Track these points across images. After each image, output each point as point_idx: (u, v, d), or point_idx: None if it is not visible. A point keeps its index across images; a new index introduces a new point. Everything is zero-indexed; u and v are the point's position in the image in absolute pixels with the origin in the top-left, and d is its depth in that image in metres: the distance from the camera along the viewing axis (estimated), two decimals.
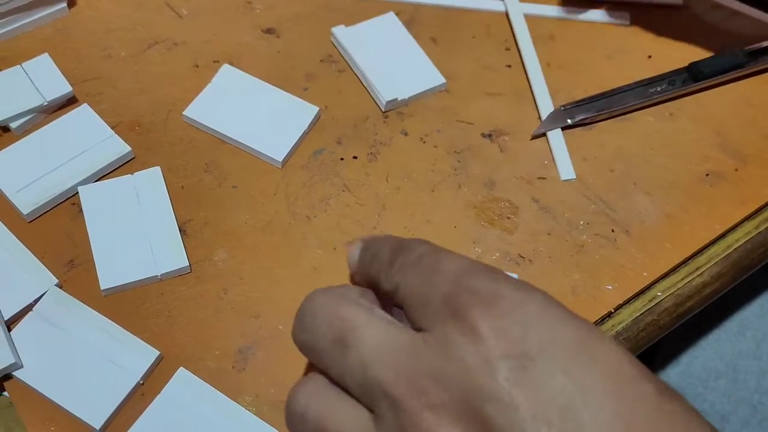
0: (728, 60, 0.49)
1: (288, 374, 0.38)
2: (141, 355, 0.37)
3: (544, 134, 0.47)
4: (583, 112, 0.47)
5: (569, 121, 0.47)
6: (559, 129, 0.47)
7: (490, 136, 0.47)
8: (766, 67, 0.51)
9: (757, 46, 0.50)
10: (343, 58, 0.49)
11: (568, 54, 0.51)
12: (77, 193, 0.42)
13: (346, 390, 0.27)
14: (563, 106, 0.48)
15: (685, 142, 0.47)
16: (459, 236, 0.43)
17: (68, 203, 0.42)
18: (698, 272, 0.43)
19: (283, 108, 0.46)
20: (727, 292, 0.45)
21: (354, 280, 0.33)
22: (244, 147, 0.45)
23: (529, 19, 0.52)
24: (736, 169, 0.46)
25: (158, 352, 0.37)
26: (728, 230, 0.45)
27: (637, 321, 0.41)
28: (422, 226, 0.43)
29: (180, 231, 0.41)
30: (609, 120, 0.48)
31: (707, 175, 0.46)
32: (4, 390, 0.36)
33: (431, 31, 0.51)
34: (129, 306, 0.39)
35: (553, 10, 0.53)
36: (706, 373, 0.58)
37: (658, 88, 0.49)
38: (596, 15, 0.53)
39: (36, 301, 0.38)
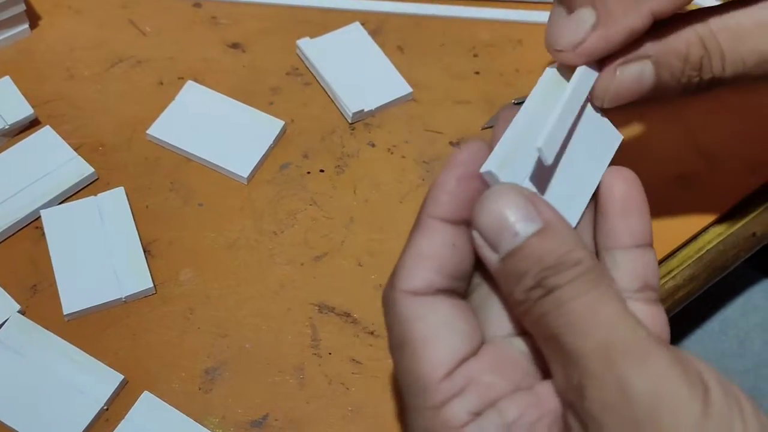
0: None
1: (255, 394, 0.37)
2: (105, 380, 0.36)
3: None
4: None
5: None
6: None
7: (458, 144, 0.46)
8: None
9: None
10: (308, 70, 0.49)
11: (537, 58, 0.51)
12: (40, 216, 0.41)
13: None
14: (516, 100, 0.47)
15: (656, 142, 0.47)
16: None
17: (31, 227, 0.42)
18: (671, 275, 0.43)
19: (248, 123, 0.45)
20: (708, 291, 0.45)
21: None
22: (210, 164, 0.44)
23: (496, 24, 0.52)
24: (709, 170, 0.46)
25: (122, 377, 0.37)
26: (701, 231, 0.44)
27: None
28: (391, 238, 0.42)
29: (144, 251, 0.41)
30: None
31: (679, 176, 0.46)
32: None
33: (398, 39, 0.51)
34: (93, 330, 0.38)
35: (521, 15, 0.52)
36: None
37: None
38: None
39: None
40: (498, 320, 0.28)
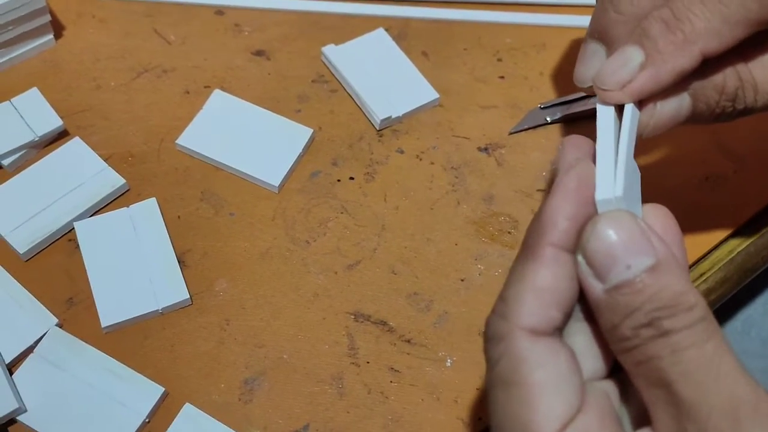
0: None
1: (295, 404, 0.37)
2: (146, 393, 0.36)
3: (522, 131, 0.47)
4: (563, 111, 0.47)
5: (547, 119, 0.47)
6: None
7: (486, 149, 0.46)
8: None
9: None
10: (334, 77, 0.49)
11: (560, 62, 0.51)
12: (73, 228, 0.41)
13: None
14: (542, 104, 0.47)
15: (682, 145, 0.47)
16: (460, 254, 0.42)
17: (65, 240, 0.42)
18: (702, 278, 0.43)
19: (277, 131, 0.45)
20: None
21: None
22: (240, 173, 0.44)
23: (519, 27, 0.52)
24: (735, 172, 0.46)
25: (163, 389, 0.37)
26: (730, 234, 0.44)
27: None
28: (423, 245, 0.43)
29: (179, 262, 0.41)
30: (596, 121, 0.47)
31: (707, 179, 0.46)
32: None
33: (422, 44, 0.51)
34: (131, 342, 0.39)
35: (544, 18, 0.52)
36: None
37: None
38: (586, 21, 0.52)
39: (37, 342, 0.38)
40: (586, 358, 0.27)
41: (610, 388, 0.27)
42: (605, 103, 0.30)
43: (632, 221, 0.25)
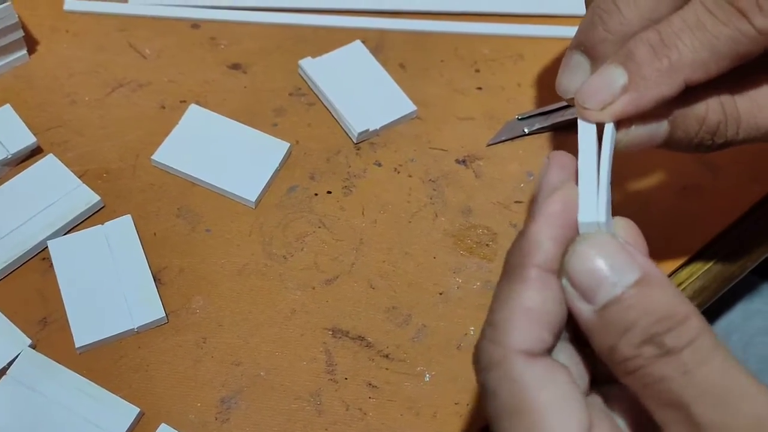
0: None
1: (273, 422, 0.37)
2: (121, 414, 0.36)
3: (500, 142, 0.47)
4: (541, 122, 0.47)
5: (525, 130, 0.47)
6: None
7: (464, 161, 0.46)
8: None
9: None
10: (311, 90, 0.49)
11: (538, 72, 0.51)
12: (47, 247, 0.41)
13: None
14: (520, 116, 0.47)
15: (658, 155, 0.47)
16: (438, 267, 0.42)
17: (38, 258, 0.41)
18: (681, 288, 0.43)
19: (254, 146, 0.45)
20: None
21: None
22: (216, 189, 0.44)
23: (496, 38, 0.52)
24: (713, 181, 0.46)
25: (138, 410, 0.36)
26: (709, 242, 0.44)
27: None
28: (401, 259, 0.42)
29: (155, 280, 0.40)
30: (575, 133, 0.47)
31: (684, 188, 0.46)
32: None
33: (399, 56, 0.51)
34: (106, 362, 0.38)
35: (521, 29, 0.52)
36: None
37: None
38: (563, 31, 0.53)
39: (9, 364, 0.37)
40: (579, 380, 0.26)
41: (597, 401, 0.27)
42: (585, 120, 0.30)
43: (610, 239, 0.25)
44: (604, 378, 0.27)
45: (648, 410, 0.24)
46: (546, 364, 0.24)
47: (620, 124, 0.30)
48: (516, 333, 0.24)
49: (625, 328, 0.23)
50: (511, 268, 0.25)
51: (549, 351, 0.25)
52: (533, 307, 0.24)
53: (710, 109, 0.30)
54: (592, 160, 0.28)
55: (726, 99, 0.30)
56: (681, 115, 0.30)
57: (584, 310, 0.24)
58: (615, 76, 0.29)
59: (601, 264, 0.24)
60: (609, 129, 0.29)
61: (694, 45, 0.28)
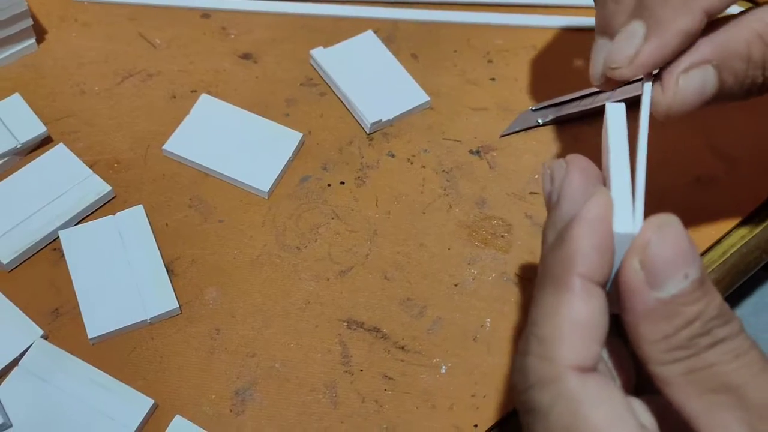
0: None
1: (288, 414, 0.36)
2: (135, 405, 0.36)
3: (514, 133, 0.46)
4: (554, 113, 0.47)
5: (539, 121, 0.46)
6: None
7: (478, 152, 0.46)
8: None
9: None
10: (323, 80, 0.48)
11: (551, 63, 0.50)
12: (58, 237, 0.40)
13: None
14: (533, 106, 0.47)
15: (674, 145, 0.47)
16: (453, 258, 0.42)
17: (49, 249, 0.41)
18: None
19: (266, 136, 0.45)
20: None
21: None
22: (229, 179, 0.43)
23: (509, 29, 0.52)
24: (727, 172, 0.46)
25: (152, 401, 0.36)
26: (723, 235, 0.44)
27: None
28: (415, 250, 0.42)
29: (167, 271, 0.40)
30: (588, 124, 0.47)
31: (699, 179, 0.45)
32: None
33: (411, 47, 0.50)
34: (119, 353, 0.38)
35: (534, 20, 0.52)
36: None
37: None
38: (576, 21, 0.52)
39: (22, 354, 0.37)
40: None
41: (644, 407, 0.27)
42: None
43: (684, 230, 0.24)
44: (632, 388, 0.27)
45: (681, 405, 0.24)
46: (598, 380, 0.24)
47: (665, 83, 0.29)
48: (568, 348, 0.24)
49: (689, 320, 0.23)
50: (553, 278, 0.25)
51: (597, 365, 0.25)
52: (583, 320, 0.24)
53: (751, 43, 0.29)
54: (623, 161, 0.27)
55: (763, 28, 0.29)
56: (724, 57, 0.29)
57: (647, 296, 0.23)
58: (635, 29, 0.28)
59: (679, 252, 0.23)
60: (644, 124, 0.28)
61: None
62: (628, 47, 0.28)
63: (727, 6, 0.28)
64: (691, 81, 0.29)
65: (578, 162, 0.28)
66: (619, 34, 0.29)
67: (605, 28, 0.31)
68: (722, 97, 0.30)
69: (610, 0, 0.30)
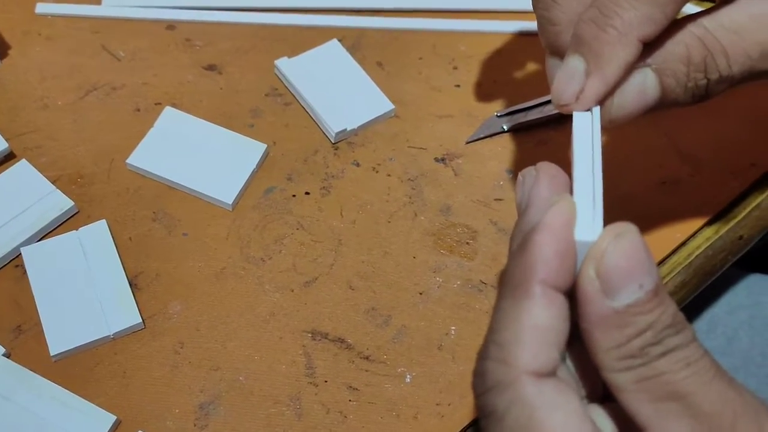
0: None
1: (252, 427, 0.36)
2: (97, 422, 0.35)
3: (479, 140, 0.47)
4: (520, 119, 0.47)
5: (504, 127, 0.47)
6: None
7: (443, 160, 0.46)
8: None
9: None
10: (288, 90, 0.48)
11: (516, 68, 0.50)
12: (20, 254, 0.40)
13: None
14: (498, 112, 0.47)
15: (638, 149, 0.47)
16: (418, 267, 0.42)
17: (11, 266, 0.41)
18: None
19: (230, 148, 0.45)
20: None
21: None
22: (193, 192, 0.43)
23: (474, 35, 0.52)
24: (692, 175, 0.46)
25: (115, 417, 0.36)
26: (689, 237, 0.44)
27: None
28: (380, 259, 0.42)
29: (131, 285, 0.40)
30: (554, 129, 0.47)
31: (663, 183, 0.46)
32: None
33: (377, 55, 0.50)
34: (82, 370, 0.38)
35: (498, 25, 0.52)
36: None
37: None
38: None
39: None
40: None
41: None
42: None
43: (641, 239, 0.24)
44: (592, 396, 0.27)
45: (634, 412, 0.24)
46: (555, 386, 0.24)
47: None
48: (526, 353, 0.24)
49: (641, 330, 0.23)
50: (514, 284, 0.25)
51: (556, 370, 0.25)
52: (542, 325, 0.24)
53: (690, 46, 0.29)
54: (587, 169, 0.27)
55: (702, 33, 0.29)
56: (663, 60, 0.29)
57: (602, 306, 0.24)
58: (575, 64, 0.29)
59: (634, 261, 0.23)
60: (596, 130, 0.29)
61: (631, 4, 0.28)
62: (572, 85, 0.29)
63: (660, 30, 0.29)
64: (630, 85, 0.29)
65: (547, 169, 0.28)
66: (561, 71, 0.29)
67: (551, 48, 0.32)
68: (668, 102, 0.30)
69: (547, 22, 0.31)
